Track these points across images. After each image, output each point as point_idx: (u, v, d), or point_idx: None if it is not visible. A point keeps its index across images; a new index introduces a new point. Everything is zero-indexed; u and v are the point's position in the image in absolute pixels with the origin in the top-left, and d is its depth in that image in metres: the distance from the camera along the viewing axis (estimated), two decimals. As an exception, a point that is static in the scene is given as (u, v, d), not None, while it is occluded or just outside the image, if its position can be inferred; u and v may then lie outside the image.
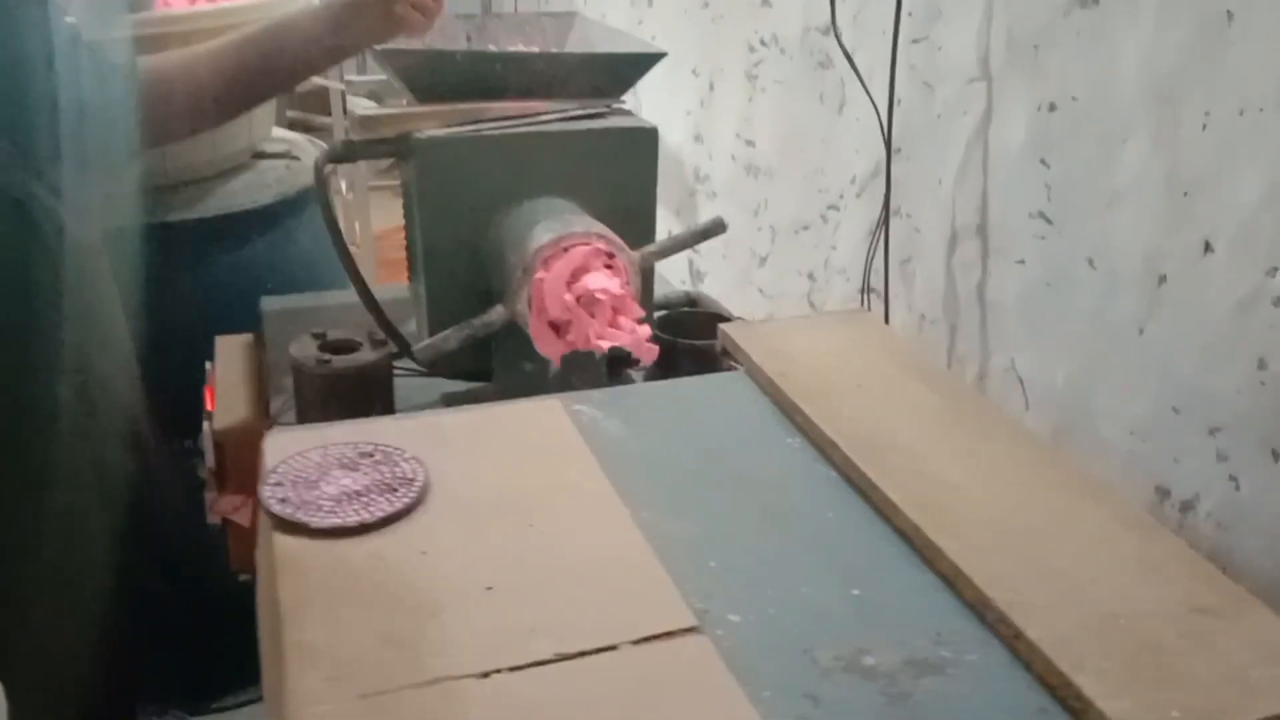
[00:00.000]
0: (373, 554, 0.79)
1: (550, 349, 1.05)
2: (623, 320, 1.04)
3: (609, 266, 1.04)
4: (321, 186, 1.14)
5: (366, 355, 1.08)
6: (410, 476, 0.86)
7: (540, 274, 1.01)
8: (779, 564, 0.82)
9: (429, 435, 0.93)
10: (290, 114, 2.41)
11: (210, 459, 1.18)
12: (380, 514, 0.81)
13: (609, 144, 1.16)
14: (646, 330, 1.05)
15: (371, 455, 0.88)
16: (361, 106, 1.24)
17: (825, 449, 0.95)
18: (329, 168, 1.16)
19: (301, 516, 0.80)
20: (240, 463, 1.11)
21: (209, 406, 1.23)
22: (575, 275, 1.01)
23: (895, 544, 0.85)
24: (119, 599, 1.16)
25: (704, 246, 1.59)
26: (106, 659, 1.22)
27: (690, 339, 1.21)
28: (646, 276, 1.16)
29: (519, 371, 1.13)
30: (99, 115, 1.07)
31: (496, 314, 1.06)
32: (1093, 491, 0.91)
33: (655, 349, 1.06)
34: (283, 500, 0.82)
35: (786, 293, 1.66)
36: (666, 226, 1.98)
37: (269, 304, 1.38)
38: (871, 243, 1.39)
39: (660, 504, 0.88)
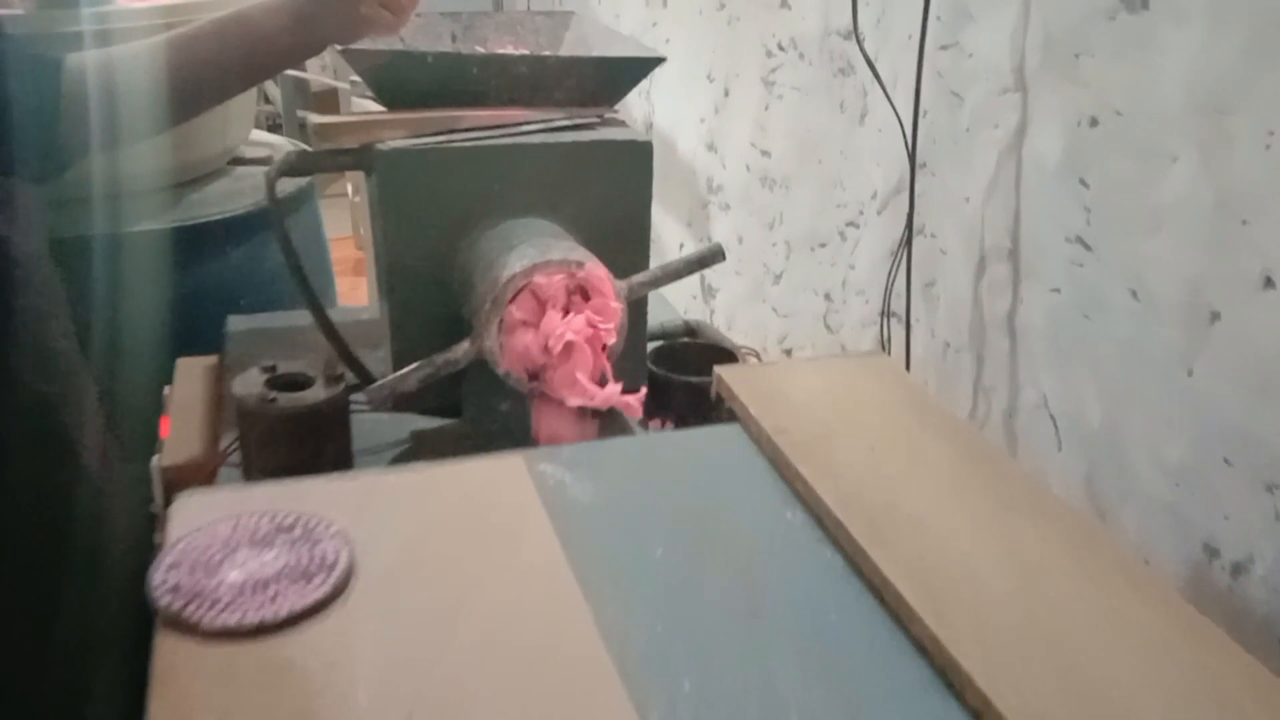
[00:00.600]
0: (271, 665, 0.60)
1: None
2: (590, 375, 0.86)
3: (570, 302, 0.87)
4: (274, 202, 0.97)
5: (318, 393, 0.90)
6: (331, 560, 0.67)
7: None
8: (768, 687, 0.62)
9: (364, 501, 0.74)
10: (300, 114, 2.26)
11: (159, 496, 1.02)
12: (286, 611, 0.63)
13: (598, 158, 0.96)
14: (614, 390, 0.86)
15: (291, 529, 0.70)
16: (360, 108, 1.07)
17: (829, 527, 0.75)
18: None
19: (191, 612, 0.62)
20: (190, 503, 0.95)
21: (162, 435, 1.07)
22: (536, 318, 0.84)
23: (910, 658, 0.65)
24: (58, 632, 1.01)
25: (715, 261, 1.43)
26: (51, 696, 1.07)
27: (688, 374, 1.03)
28: (638, 308, 0.98)
29: (491, 410, 0.95)
30: (30, 117, 0.91)
31: (461, 351, 0.88)
32: (1138, 582, 0.72)
33: (637, 406, 0.88)
34: (174, 589, 0.64)
35: (801, 312, 1.50)
36: (678, 239, 1.82)
37: (236, 324, 1.20)
38: (893, 263, 1.23)
39: (629, 599, 0.68)
